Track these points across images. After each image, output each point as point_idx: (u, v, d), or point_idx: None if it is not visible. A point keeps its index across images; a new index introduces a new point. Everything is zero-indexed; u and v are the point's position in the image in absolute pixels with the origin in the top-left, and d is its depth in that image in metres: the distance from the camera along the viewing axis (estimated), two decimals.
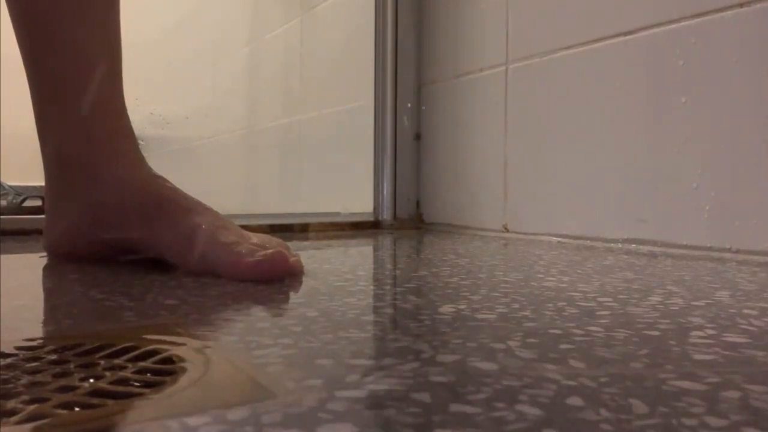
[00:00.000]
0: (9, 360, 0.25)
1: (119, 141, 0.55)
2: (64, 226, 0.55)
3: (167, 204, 0.51)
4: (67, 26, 0.53)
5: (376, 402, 0.21)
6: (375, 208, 1.01)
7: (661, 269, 0.52)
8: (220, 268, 0.46)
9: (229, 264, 0.46)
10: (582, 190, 0.75)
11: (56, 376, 0.23)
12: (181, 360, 0.25)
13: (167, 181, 0.54)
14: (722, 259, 0.58)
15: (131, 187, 0.53)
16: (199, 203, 0.52)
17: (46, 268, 0.54)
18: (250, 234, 0.50)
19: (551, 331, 0.30)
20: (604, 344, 0.28)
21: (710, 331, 0.30)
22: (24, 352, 0.26)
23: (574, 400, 0.21)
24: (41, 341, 0.28)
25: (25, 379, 0.22)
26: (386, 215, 1.00)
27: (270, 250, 0.47)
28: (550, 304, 0.36)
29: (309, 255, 0.63)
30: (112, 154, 0.54)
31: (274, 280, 0.45)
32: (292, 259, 0.48)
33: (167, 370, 0.24)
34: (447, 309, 0.35)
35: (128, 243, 0.53)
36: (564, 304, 0.37)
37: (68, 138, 0.55)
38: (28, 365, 0.24)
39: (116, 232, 0.53)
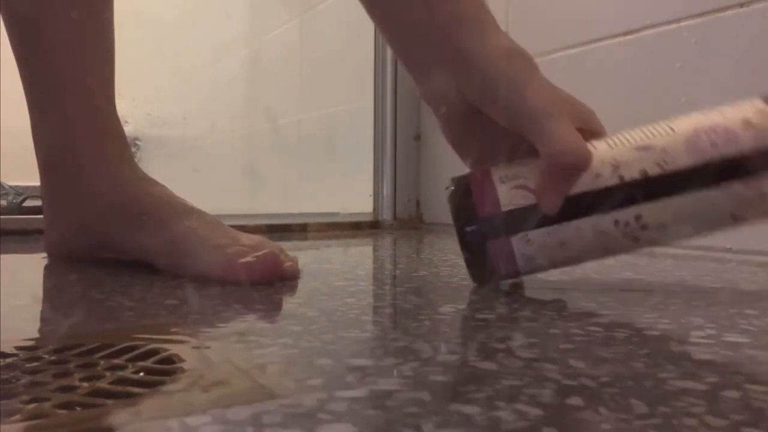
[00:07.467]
0: (9, 360, 0.25)
1: (107, 144, 0.54)
2: (61, 228, 0.55)
3: (155, 210, 0.50)
4: (56, 28, 0.52)
5: (376, 402, 0.21)
6: (375, 208, 1.01)
7: (661, 269, 0.52)
8: (212, 270, 0.45)
9: (220, 266, 0.45)
10: None
11: (56, 376, 0.23)
12: (181, 360, 0.25)
13: (157, 183, 0.53)
14: (722, 259, 0.58)
15: (117, 193, 0.52)
16: (186, 205, 0.50)
17: (46, 268, 0.54)
18: (243, 235, 0.48)
19: (551, 331, 0.30)
20: (604, 344, 0.28)
21: (710, 331, 0.30)
22: (24, 352, 0.26)
23: (574, 400, 0.21)
24: (41, 341, 0.28)
25: (25, 379, 0.22)
26: (386, 215, 1.00)
27: (262, 251, 0.45)
28: (550, 304, 0.36)
29: (309, 255, 0.63)
30: (100, 157, 0.53)
31: (269, 282, 0.44)
32: (287, 264, 0.46)
33: (167, 370, 0.24)
34: (447, 309, 0.35)
35: (120, 248, 0.52)
36: (564, 303, 0.37)
37: (58, 140, 0.54)
38: (28, 365, 0.24)
39: (105, 238, 0.52)
